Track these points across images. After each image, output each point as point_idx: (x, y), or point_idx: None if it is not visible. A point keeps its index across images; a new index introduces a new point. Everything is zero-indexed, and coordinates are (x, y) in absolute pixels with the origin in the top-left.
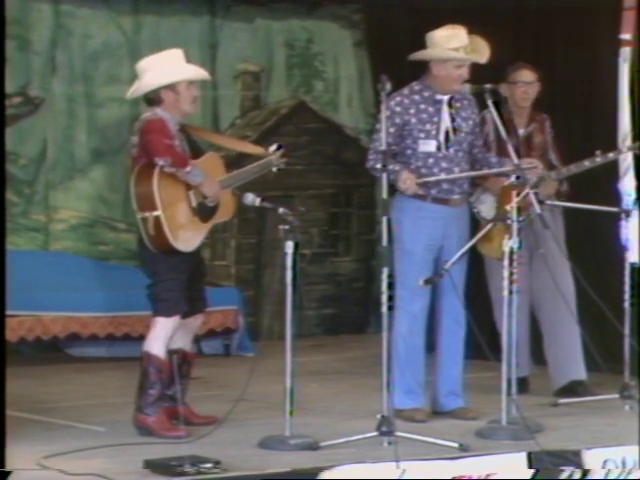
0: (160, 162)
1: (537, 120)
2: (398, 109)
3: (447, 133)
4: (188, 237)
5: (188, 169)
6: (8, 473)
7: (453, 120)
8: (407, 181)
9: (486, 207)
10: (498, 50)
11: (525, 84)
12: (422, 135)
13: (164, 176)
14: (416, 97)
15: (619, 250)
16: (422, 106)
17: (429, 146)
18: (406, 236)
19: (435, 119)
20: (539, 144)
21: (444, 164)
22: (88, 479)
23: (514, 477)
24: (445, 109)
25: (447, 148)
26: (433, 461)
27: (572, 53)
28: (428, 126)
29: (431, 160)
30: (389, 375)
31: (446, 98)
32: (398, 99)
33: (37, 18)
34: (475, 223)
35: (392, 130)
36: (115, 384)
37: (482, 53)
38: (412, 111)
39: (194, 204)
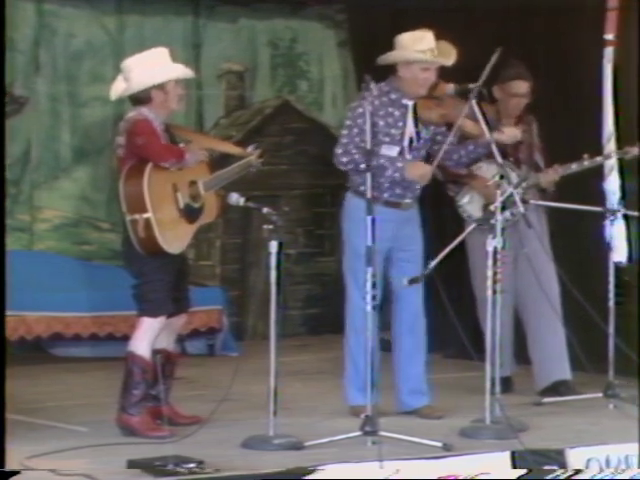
0: (166, 165)
1: (524, 121)
2: (370, 108)
3: (411, 139)
4: (176, 239)
5: (187, 157)
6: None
7: (416, 125)
8: (420, 168)
9: (472, 207)
10: (481, 51)
11: (518, 96)
12: (387, 139)
13: (153, 178)
14: (384, 99)
15: (603, 249)
16: (389, 109)
17: (391, 151)
18: (356, 236)
19: (400, 124)
20: (526, 145)
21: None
22: (75, 479)
23: (499, 477)
24: (410, 115)
25: (409, 153)
26: (417, 461)
27: (556, 53)
28: (393, 131)
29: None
30: (372, 375)
31: (411, 104)
32: (370, 99)
33: (21, 17)
34: (460, 222)
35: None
36: (99, 384)
37: (448, 56)
38: (381, 113)
39: (181, 205)
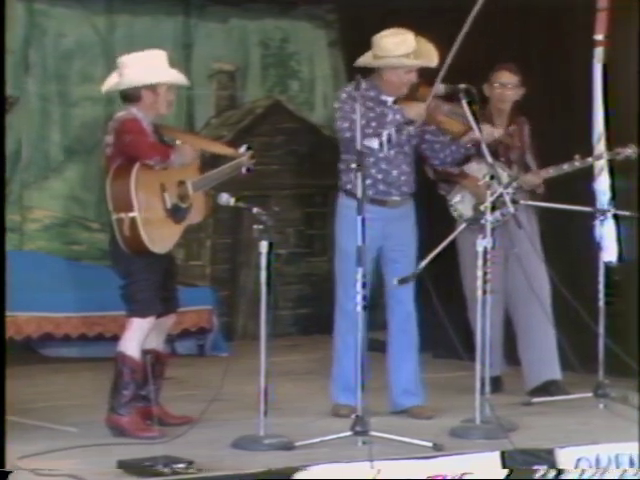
0: (151, 163)
1: (516, 122)
2: (352, 95)
3: (389, 135)
4: (162, 239)
5: (173, 157)
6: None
7: None
8: (414, 107)
9: (464, 206)
10: (473, 51)
11: (502, 86)
12: (369, 131)
13: (141, 177)
14: (364, 94)
15: (593, 249)
16: (369, 104)
17: (372, 142)
18: (340, 235)
19: (380, 119)
20: (517, 146)
21: (383, 165)
22: (62, 479)
23: (489, 476)
24: None
25: (388, 149)
26: (407, 460)
27: (550, 54)
28: (373, 124)
29: (371, 159)
30: (363, 375)
31: (390, 99)
32: (349, 89)
33: (10, 16)
34: (451, 222)
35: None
36: (89, 385)
37: (429, 56)
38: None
39: (169, 206)
